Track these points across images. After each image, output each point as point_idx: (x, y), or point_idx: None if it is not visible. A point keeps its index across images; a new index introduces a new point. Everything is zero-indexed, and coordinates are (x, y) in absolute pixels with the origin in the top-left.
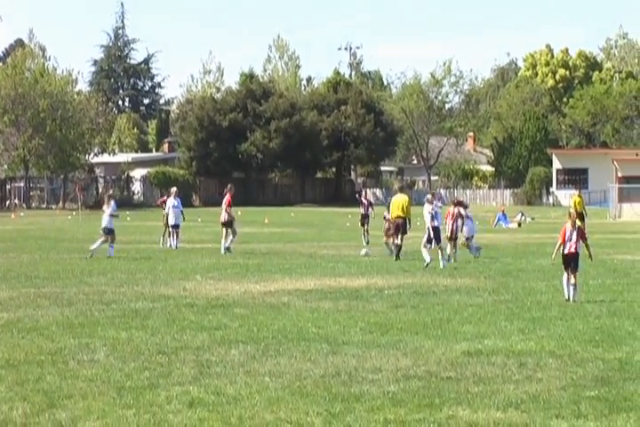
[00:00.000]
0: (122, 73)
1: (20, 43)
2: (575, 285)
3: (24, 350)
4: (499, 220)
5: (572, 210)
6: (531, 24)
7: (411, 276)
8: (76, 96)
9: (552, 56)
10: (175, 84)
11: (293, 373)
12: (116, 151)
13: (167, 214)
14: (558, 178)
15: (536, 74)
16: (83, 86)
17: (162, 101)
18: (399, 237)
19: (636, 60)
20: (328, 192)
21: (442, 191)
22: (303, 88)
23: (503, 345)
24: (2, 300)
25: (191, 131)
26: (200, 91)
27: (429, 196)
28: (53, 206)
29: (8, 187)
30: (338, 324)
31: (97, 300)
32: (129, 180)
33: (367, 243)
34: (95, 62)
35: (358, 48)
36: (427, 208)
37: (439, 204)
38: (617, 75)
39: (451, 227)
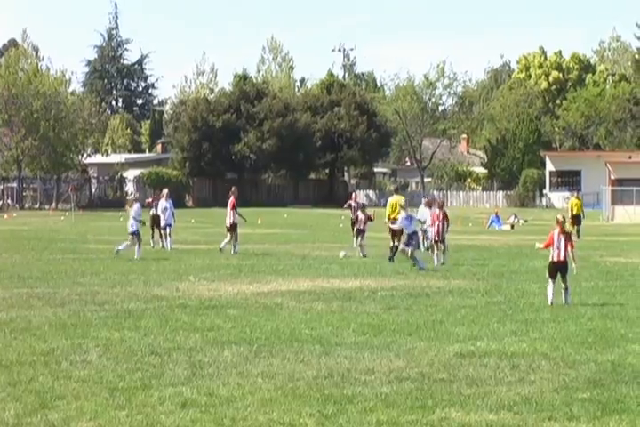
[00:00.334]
0: (115, 73)
1: (13, 43)
2: (567, 288)
3: (16, 350)
4: (492, 222)
5: (560, 216)
6: (524, 26)
7: (404, 277)
8: (69, 97)
9: (545, 58)
10: (169, 84)
11: (286, 374)
12: (110, 152)
13: (155, 216)
14: (551, 180)
15: (529, 76)
16: (76, 87)
17: (155, 102)
18: (396, 238)
19: (629, 63)
20: (321, 193)
21: (435, 193)
22: (297, 89)
23: (496, 347)
24: None
25: (184, 131)
26: (193, 91)
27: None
28: (46, 207)
29: (1, 187)
30: (331, 325)
31: (90, 300)
32: (122, 180)
33: (360, 245)
34: (89, 63)
35: (352, 49)
36: (402, 214)
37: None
38: (610, 77)
39: (437, 229)
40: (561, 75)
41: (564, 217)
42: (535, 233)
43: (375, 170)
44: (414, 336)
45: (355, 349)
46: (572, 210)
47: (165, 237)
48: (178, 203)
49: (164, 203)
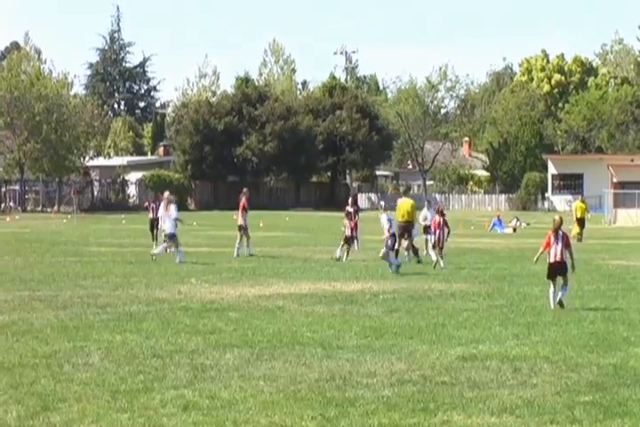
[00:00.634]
0: (117, 76)
1: (15, 46)
2: (566, 284)
3: (18, 353)
4: (494, 225)
5: (557, 217)
6: (526, 29)
7: (405, 280)
8: (71, 99)
9: (548, 61)
10: (171, 87)
11: (288, 377)
12: (112, 154)
13: (153, 220)
14: (553, 183)
15: (532, 79)
16: (78, 89)
17: (157, 105)
18: (403, 240)
19: (632, 66)
20: (323, 196)
21: (437, 196)
22: (299, 92)
23: (498, 350)
24: None
25: (186, 134)
26: (195, 94)
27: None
28: (49, 209)
29: (3, 190)
30: (332, 328)
31: (92, 303)
32: (124, 183)
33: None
34: (91, 65)
35: (354, 52)
36: (384, 216)
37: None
38: (612, 80)
39: (438, 235)
40: (563, 78)
41: (560, 218)
42: (537, 236)
43: (377, 173)
44: (416, 339)
45: (356, 352)
46: (576, 213)
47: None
48: (180, 205)
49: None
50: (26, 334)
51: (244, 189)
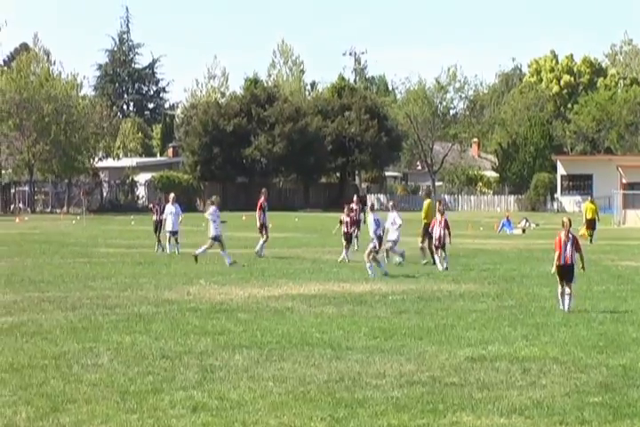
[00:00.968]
0: (126, 77)
1: (24, 47)
2: (570, 294)
3: (28, 354)
4: (503, 226)
5: (566, 218)
6: (535, 30)
7: (414, 281)
8: (80, 100)
9: (557, 62)
10: (180, 88)
11: (297, 378)
12: (121, 156)
13: (159, 220)
14: (563, 184)
15: (541, 80)
16: (87, 91)
17: (166, 106)
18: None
19: None
20: (332, 197)
21: (446, 197)
22: (307, 93)
23: (507, 351)
24: (6, 304)
25: (195, 135)
26: (205, 95)
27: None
28: (58, 211)
29: (13, 191)
30: (342, 329)
31: (101, 304)
32: (133, 184)
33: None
34: (100, 67)
35: (363, 53)
36: (371, 217)
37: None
38: (622, 81)
39: (438, 234)
40: (572, 78)
41: (569, 220)
42: (546, 237)
43: (386, 174)
44: (425, 340)
45: (366, 353)
46: (586, 214)
47: (171, 243)
48: (189, 207)
49: (170, 207)
50: (35, 335)
51: (263, 190)
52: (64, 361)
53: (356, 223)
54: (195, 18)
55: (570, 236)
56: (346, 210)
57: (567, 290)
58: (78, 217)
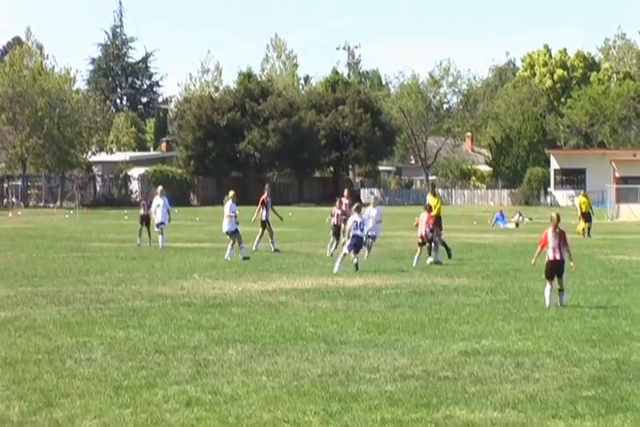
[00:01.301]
0: (120, 71)
1: (17, 41)
2: (562, 290)
3: (21, 348)
4: (496, 220)
5: (554, 214)
6: (529, 24)
7: (408, 276)
8: (73, 95)
9: (550, 56)
10: (173, 82)
11: (291, 372)
12: (114, 150)
13: (144, 216)
14: (556, 178)
15: (534, 74)
16: (81, 85)
17: (160, 100)
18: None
19: (634, 61)
20: (326, 191)
21: (440, 191)
22: (301, 87)
23: (500, 345)
24: None
25: (189, 130)
26: (198, 90)
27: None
28: (51, 205)
29: (5, 185)
30: (335, 323)
31: (94, 299)
32: (127, 178)
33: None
34: (93, 61)
35: (357, 47)
36: (352, 218)
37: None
38: (615, 75)
39: (420, 232)
40: (565, 73)
41: (557, 215)
42: (540, 231)
43: (380, 168)
44: (419, 334)
45: (359, 347)
46: (580, 208)
47: (159, 235)
48: (182, 201)
49: (158, 200)
50: (28, 329)
51: (266, 186)
52: (57, 356)
53: (346, 216)
54: (188, 12)
55: (557, 231)
56: (337, 203)
57: (558, 286)
58: (72, 211)
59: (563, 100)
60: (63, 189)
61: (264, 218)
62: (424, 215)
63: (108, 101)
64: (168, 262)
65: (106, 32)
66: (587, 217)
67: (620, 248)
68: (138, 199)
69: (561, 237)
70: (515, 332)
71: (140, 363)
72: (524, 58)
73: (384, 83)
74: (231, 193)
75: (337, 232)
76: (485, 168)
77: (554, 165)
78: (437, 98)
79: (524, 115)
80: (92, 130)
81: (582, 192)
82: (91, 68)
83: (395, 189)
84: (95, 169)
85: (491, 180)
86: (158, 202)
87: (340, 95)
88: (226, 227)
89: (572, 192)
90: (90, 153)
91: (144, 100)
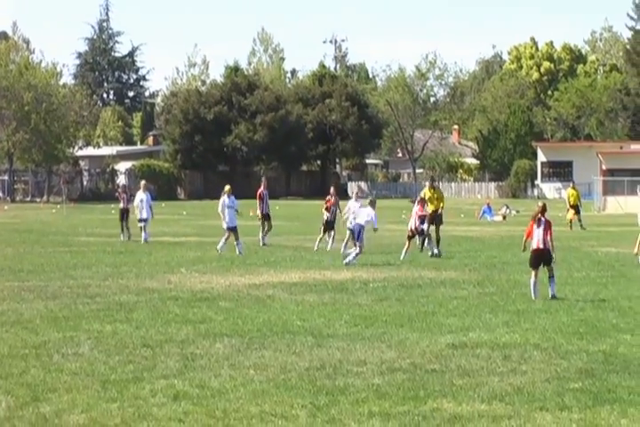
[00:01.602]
0: (106, 66)
1: (3, 35)
2: (552, 276)
3: (8, 343)
4: (484, 212)
5: (540, 203)
6: (515, 16)
7: (395, 269)
8: (60, 89)
9: (537, 49)
10: (160, 76)
11: (278, 366)
12: (101, 144)
13: (123, 209)
14: (543, 171)
15: (521, 67)
16: (67, 79)
17: (147, 94)
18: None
19: (621, 53)
20: (313, 185)
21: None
22: (288, 81)
23: (488, 338)
24: None
25: (176, 124)
26: (185, 84)
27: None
28: (38, 199)
29: None
30: (323, 317)
31: (81, 293)
32: (114, 173)
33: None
34: (79, 55)
35: (343, 41)
36: (368, 209)
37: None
38: (601, 68)
39: (410, 225)
40: (552, 65)
41: (544, 205)
42: (527, 224)
43: (367, 161)
44: (406, 327)
45: (347, 340)
46: (569, 200)
47: (141, 230)
48: (170, 195)
49: (141, 194)
50: (15, 324)
51: (263, 178)
52: (44, 350)
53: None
54: (175, 6)
55: (542, 220)
56: (333, 199)
57: (548, 273)
58: (58, 206)
59: (549, 92)
60: (50, 184)
61: (264, 211)
62: (415, 208)
63: (94, 96)
64: (155, 257)
65: (92, 26)
66: (576, 209)
67: (606, 240)
68: (117, 193)
69: (545, 226)
70: (502, 324)
71: (128, 357)
72: (511, 50)
73: (371, 76)
74: (227, 187)
75: (328, 228)
76: (472, 161)
77: (541, 157)
78: (424, 91)
79: (510, 107)
80: (79, 124)
81: (571, 184)
82: (77, 62)
83: (382, 183)
84: (82, 163)
85: (478, 172)
86: (141, 197)
87: (327, 89)
88: (227, 222)
89: (558, 185)
90: (77, 147)
91: (131, 94)
